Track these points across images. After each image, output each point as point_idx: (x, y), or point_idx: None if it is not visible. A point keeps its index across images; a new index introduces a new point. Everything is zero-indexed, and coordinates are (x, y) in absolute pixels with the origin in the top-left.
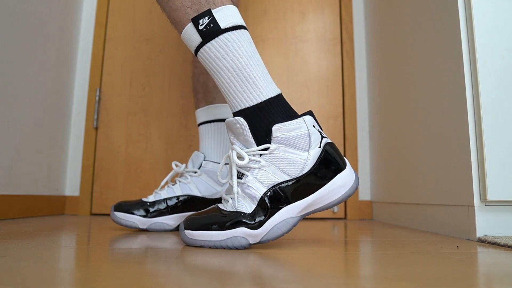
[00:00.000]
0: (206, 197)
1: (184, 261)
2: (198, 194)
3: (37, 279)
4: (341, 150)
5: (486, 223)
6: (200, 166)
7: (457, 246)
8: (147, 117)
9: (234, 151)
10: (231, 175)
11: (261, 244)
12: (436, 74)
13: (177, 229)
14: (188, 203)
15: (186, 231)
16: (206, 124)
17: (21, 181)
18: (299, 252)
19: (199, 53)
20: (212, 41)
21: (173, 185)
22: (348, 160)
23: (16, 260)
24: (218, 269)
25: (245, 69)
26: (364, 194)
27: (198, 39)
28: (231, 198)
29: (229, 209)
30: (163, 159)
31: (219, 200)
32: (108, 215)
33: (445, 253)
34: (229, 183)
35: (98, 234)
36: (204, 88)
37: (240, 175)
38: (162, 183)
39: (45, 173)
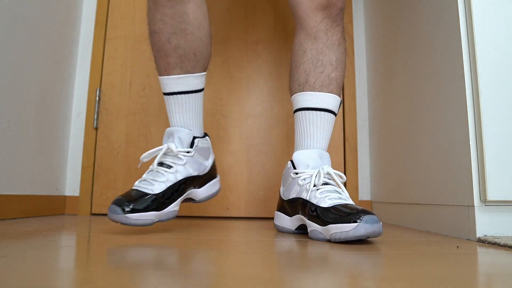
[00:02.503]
0: (200, 174)
1: (184, 261)
2: (195, 174)
3: (37, 279)
4: (341, 150)
5: (486, 223)
6: (192, 145)
7: (457, 246)
8: (147, 117)
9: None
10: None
11: (260, 245)
12: (436, 74)
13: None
14: (185, 184)
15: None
16: (183, 95)
17: (21, 181)
18: (299, 252)
19: (321, 113)
20: (334, 116)
21: (168, 168)
22: (348, 160)
23: (16, 260)
24: (218, 268)
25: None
26: (364, 194)
27: (335, 109)
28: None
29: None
30: None
31: (208, 176)
32: None
33: (445, 253)
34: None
35: (98, 234)
36: (179, 53)
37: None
38: (155, 165)
39: (45, 173)
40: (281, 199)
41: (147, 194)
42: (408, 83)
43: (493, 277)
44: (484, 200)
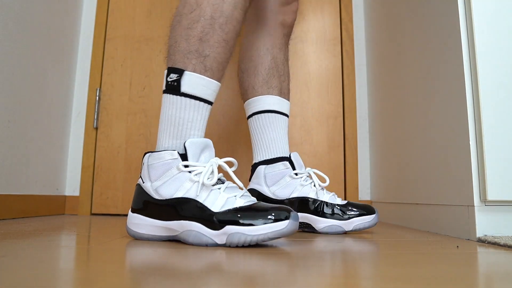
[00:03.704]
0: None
1: (184, 260)
2: None
3: (37, 279)
4: (341, 150)
5: (486, 223)
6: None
7: (457, 246)
8: (147, 117)
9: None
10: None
11: (261, 244)
12: (436, 74)
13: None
14: None
15: None
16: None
17: (21, 181)
18: (299, 252)
19: (286, 118)
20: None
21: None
22: (348, 160)
23: (16, 260)
24: (218, 268)
25: None
26: (364, 194)
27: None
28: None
29: None
30: None
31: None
32: (108, 215)
33: (445, 253)
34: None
35: (98, 234)
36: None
37: None
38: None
39: (45, 173)
40: (267, 200)
41: None
42: (408, 83)
43: (493, 277)
44: (484, 200)
